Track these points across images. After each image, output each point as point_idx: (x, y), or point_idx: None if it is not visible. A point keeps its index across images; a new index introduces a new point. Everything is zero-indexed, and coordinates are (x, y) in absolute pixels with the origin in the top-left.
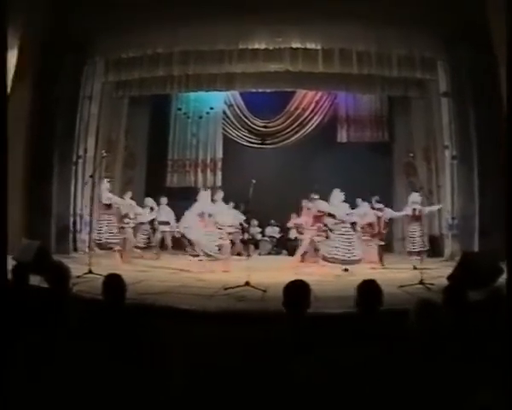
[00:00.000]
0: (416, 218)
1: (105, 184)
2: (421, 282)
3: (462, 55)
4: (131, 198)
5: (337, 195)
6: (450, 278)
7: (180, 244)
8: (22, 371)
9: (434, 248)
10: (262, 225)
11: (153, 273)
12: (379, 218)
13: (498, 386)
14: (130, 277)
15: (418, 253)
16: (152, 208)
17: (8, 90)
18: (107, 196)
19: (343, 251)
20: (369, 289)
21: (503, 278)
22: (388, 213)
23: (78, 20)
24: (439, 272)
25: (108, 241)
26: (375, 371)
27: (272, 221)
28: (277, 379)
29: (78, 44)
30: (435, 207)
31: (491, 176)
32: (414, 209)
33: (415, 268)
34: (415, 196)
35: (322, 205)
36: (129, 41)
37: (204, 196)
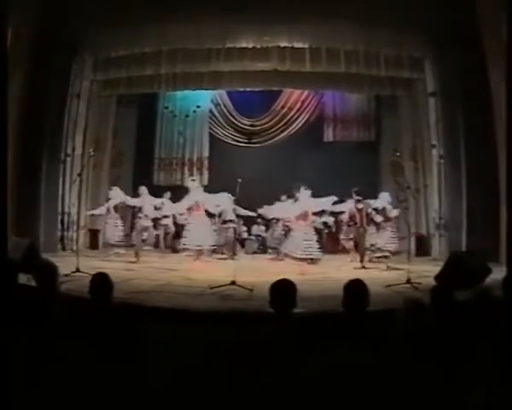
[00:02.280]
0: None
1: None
2: (408, 281)
3: (450, 54)
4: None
5: (304, 192)
6: (437, 277)
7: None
8: (10, 369)
9: (422, 248)
10: (248, 224)
11: (140, 272)
12: (360, 210)
13: (490, 386)
14: (117, 276)
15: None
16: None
17: None
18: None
19: (302, 248)
20: (355, 288)
21: (490, 278)
22: (368, 204)
23: (67, 19)
24: (427, 271)
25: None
26: (362, 370)
27: (259, 220)
28: (265, 379)
29: (66, 43)
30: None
31: (479, 175)
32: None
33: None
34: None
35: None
36: (117, 40)
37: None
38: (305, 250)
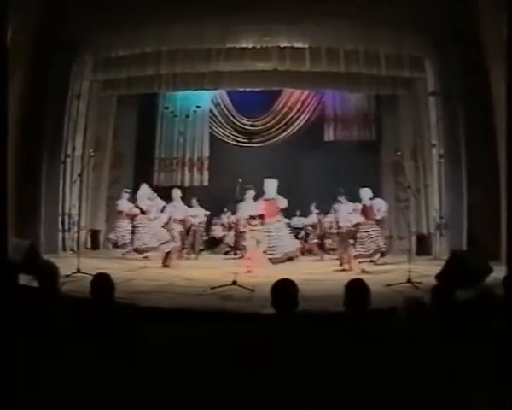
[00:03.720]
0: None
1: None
2: (408, 281)
3: (451, 53)
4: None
5: (270, 184)
6: (438, 276)
7: None
8: (11, 369)
9: (422, 247)
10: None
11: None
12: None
13: (492, 387)
14: (118, 276)
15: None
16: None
17: None
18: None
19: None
20: (356, 288)
21: (491, 277)
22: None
23: (67, 19)
24: (428, 270)
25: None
26: (363, 370)
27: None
28: (266, 379)
29: (66, 43)
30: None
31: (479, 174)
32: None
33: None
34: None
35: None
36: (118, 40)
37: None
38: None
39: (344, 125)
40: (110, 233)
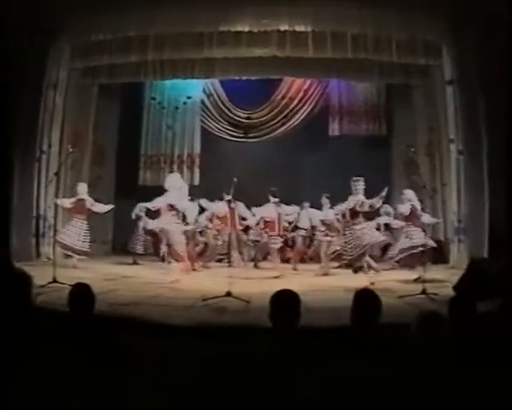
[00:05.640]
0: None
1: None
2: (423, 292)
3: (470, 38)
4: None
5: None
6: (456, 287)
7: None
8: None
9: (439, 254)
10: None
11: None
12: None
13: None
14: (99, 286)
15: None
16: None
17: None
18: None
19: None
20: (366, 299)
21: None
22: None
23: (42, 1)
24: (445, 280)
25: None
26: (373, 390)
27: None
28: (263, 399)
29: (41, 27)
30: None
31: (503, 173)
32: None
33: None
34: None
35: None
36: (98, 23)
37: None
38: None
39: (351, 118)
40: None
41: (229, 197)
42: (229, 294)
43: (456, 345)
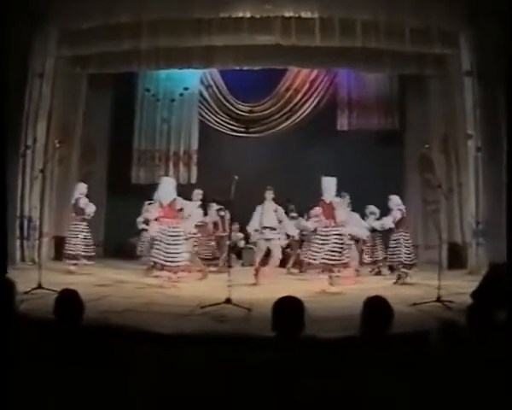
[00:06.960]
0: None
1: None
2: (438, 299)
3: (489, 26)
4: None
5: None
6: (474, 294)
7: None
8: None
9: (455, 259)
10: (245, 230)
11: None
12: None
13: None
14: (88, 292)
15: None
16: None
17: None
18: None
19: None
20: (376, 307)
21: None
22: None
23: None
24: (462, 287)
25: None
26: (384, 405)
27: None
28: None
29: (27, 11)
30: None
31: None
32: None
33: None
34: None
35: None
36: (87, 8)
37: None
38: None
39: (360, 111)
40: None
41: (218, 207)
42: (228, 301)
43: (476, 356)
